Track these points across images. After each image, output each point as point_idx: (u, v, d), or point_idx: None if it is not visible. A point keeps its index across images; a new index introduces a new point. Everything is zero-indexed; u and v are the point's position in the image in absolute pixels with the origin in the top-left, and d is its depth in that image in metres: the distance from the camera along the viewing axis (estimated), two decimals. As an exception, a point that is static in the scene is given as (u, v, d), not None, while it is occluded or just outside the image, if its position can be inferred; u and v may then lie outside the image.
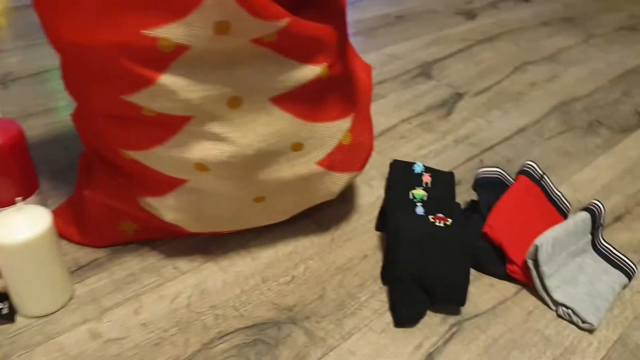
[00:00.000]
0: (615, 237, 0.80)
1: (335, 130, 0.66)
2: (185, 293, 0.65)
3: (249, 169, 0.61)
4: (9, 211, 0.54)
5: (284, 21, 0.53)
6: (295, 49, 0.57)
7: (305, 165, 0.65)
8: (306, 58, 0.58)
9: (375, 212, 0.81)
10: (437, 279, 0.64)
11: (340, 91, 0.66)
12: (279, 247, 0.73)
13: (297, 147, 0.63)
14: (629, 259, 0.72)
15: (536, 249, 0.66)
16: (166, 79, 0.53)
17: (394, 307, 0.65)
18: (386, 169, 0.91)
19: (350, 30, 1.53)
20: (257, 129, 0.58)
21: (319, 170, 0.66)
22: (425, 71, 1.31)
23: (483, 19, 1.71)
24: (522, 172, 0.78)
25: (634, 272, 0.71)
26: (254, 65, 0.55)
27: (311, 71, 0.59)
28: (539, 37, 1.60)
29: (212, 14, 0.50)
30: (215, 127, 0.57)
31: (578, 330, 0.64)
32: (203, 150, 0.57)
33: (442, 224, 0.67)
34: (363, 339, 0.62)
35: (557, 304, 0.66)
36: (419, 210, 0.71)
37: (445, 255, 0.65)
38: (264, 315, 0.63)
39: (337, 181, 0.70)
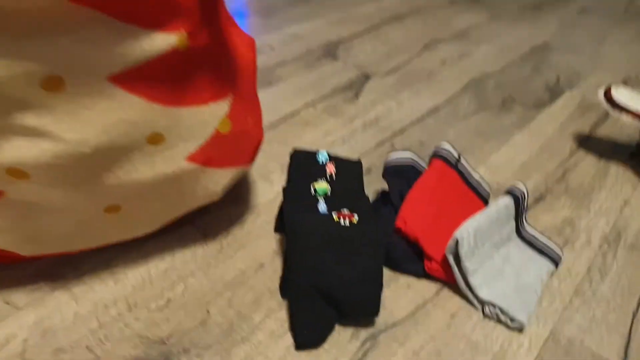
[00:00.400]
0: (538, 219, 0.73)
1: (207, 117, 0.54)
2: (20, 335, 0.50)
3: (88, 172, 0.47)
4: None
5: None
6: (136, 12, 0.44)
7: (171, 162, 0.52)
8: (154, 23, 0.45)
9: (274, 212, 0.70)
10: (344, 288, 0.54)
11: (211, 68, 0.53)
12: (152, 264, 0.60)
13: (156, 139, 0.50)
14: (554, 244, 0.66)
15: (456, 242, 0.57)
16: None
17: (294, 327, 0.53)
18: (287, 160, 0.80)
19: (248, 8, 1.40)
20: (94, 118, 0.44)
21: (190, 167, 0.53)
22: (330, 52, 1.21)
23: (391, -2, 1.64)
24: (436, 155, 0.69)
25: (560, 258, 0.65)
26: (77, 34, 0.42)
27: (163, 41, 0.46)
28: (448, 15, 1.55)
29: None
30: (29, 119, 0.42)
31: (507, 331, 0.56)
32: (15, 151, 0.43)
33: (347, 223, 0.57)
34: (256, 371, 0.50)
35: (483, 302, 0.58)
36: (321, 207, 0.61)
37: (352, 258, 0.55)
38: (128, 355, 0.50)
39: (219, 179, 0.58)
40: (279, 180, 0.76)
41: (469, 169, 0.70)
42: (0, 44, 0.39)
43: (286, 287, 0.57)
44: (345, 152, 0.84)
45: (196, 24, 0.49)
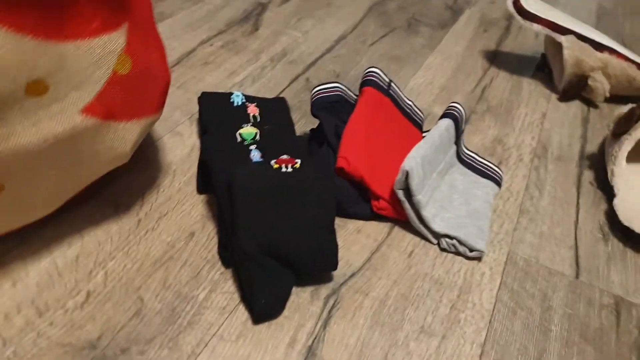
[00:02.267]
0: (469, 141, 0.72)
1: (101, 54, 0.43)
2: None
3: None
4: None
5: None
6: None
7: (61, 117, 0.41)
8: None
9: (192, 170, 0.61)
10: (296, 243, 0.48)
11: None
12: (57, 253, 0.49)
13: (37, 89, 0.38)
14: (493, 164, 0.65)
15: (406, 175, 0.53)
16: None
17: (249, 297, 0.47)
18: (194, 108, 0.70)
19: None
20: None
21: (88, 123, 0.43)
22: (216, -19, 1.09)
23: None
24: (367, 82, 0.63)
25: (501, 178, 0.64)
26: None
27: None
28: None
29: None
30: None
31: (467, 262, 0.55)
32: None
33: (289, 169, 0.50)
34: (214, 356, 0.44)
35: (438, 236, 0.55)
36: (255, 155, 0.53)
37: (301, 209, 0.49)
38: (52, 370, 0.41)
39: (125, 135, 0.48)
40: (190, 131, 0.67)
41: (401, 94, 0.66)
42: None
43: (229, 255, 0.50)
44: (258, 92, 0.76)
45: None
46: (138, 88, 0.47)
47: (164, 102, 0.52)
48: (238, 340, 0.45)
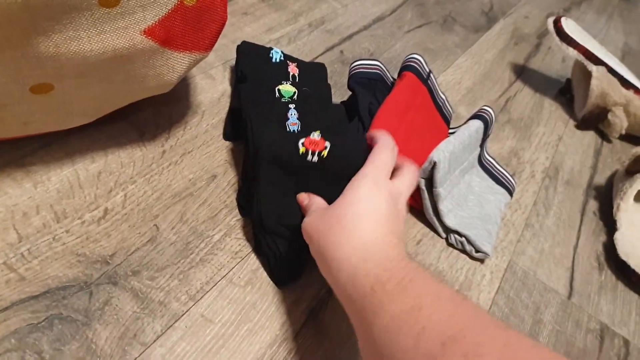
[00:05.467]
0: (487, 148, 0.74)
1: None
2: None
3: (14, 31, 0.35)
4: None
5: None
6: None
7: (124, 33, 0.41)
8: None
9: (221, 114, 0.61)
10: None
11: None
12: (80, 164, 0.49)
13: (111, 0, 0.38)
14: (509, 174, 0.67)
15: (433, 165, 0.55)
16: None
17: (270, 265, 0.48)
18: (229, 54, 0.70)
19: None
20: None
21: (146, 45, 0.43)
22: None
23: None
24: (408, 67, 0.64)
25: (514, 188, 0.66)
26: None
27: None
28: None
29: None
30: None
31: (470, 261, 0.57)
32: None
33: (315, 158, 0.49)
34: (221, 297, 0.45)
35: (448, 231, 0.57)
36: (292, 114, 0.53)
37: (321, 194, 0.49)
38: (63, 275, 0.41)
39: (175, 65, 0.47)
40: (222, 77, 0.67)
41: (437, 86, 0.67)
42: None
43: (247, 207, 0.51)
44: (292, 53, 0.76)
45: None
46: (197, 22, 0.47)
47: (215, 42, 0.51)
48: (246, 287, 0.46)
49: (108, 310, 0.40)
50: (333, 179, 0.48)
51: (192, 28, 0.47)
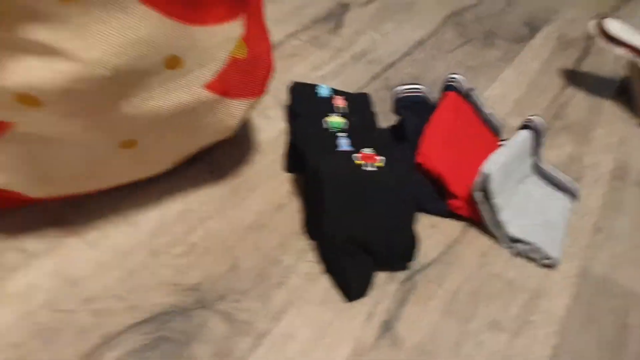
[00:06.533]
0: (544, 156, 0.77)
1: (224, 38, 0.50)
2: (43, 285, 0.47)
3: (105, 100, 0.43)
4: None
5: None
6: None
7: (189, 89, 0.49)
8: None
9: (280, 150, 0.68)
10: (379, 239, 0.54)
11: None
12: (165, 206, 0.57)
13: (174, 62, 0.46)
14: (570, 180, 0.70)
15: (486, 178, 0.59)
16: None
17: (341, 280, 0.53)
18: (282, 95, 0.78)
19: None
20: (110, 35, 0.40)
21: (208, 97, 0.51)
22: (301, -22, 1.17)
23: None
24: (449, 87, 0.70)
25: (577, 193, 0.69)
26: None
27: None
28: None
29: None
30: (41, 32, 0.38)
31: (539, 269, 0.60)
32: (26, 73, 0.38)
33: (372, 167, 0.56)
34: (299, 315, 0.50)
35: (512, 240, 0.61)
36: (343, 142, 0.60)
37: (383, 207, 0.55)
38: (163, 302, 0.48)
39: (234, 111, 0.55)
40: (277, 116, 0.74)
41: (481, 101, 0.72)
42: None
43: (314, 230, 0.57)
44: (339, 86, 0.83)
45: None
46: (249, 72, 0.55)
47: (266, 86, 0.59)
48: (321, 306, 0.52)
49: (203, 331, 0.47)
50: (390, 190, 0.54)
51: (245, 77, 0.54)
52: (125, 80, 0.43)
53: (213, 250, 0.54)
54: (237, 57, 0.52)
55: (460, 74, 0.71)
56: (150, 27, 0.43)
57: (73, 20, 0.39)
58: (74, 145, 0.45)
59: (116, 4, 0.40)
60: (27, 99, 0.40)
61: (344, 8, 1.08)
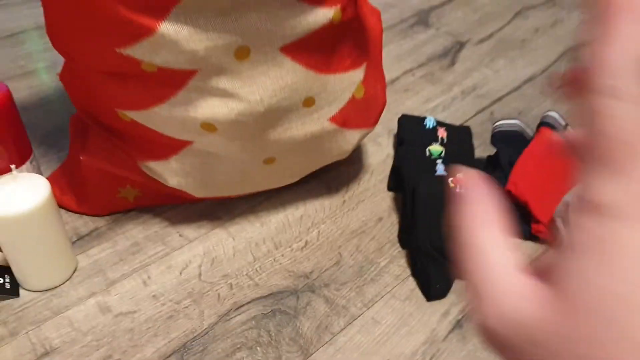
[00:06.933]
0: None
1: (347, 83, 0.64)
2: (195, 262, 0.64)
3: (258, 128, 0.58)
4: (4, 180, 0.51)
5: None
6: (308, -9, 0.54)
7: (317, 122, 0.63)
8: (319, 0, 0.55)
9: (386, 172, 0.80)
10: None
11: (352, 38, 0.63)
12: (289, 211, 0.72)
13: (309, 102, 0.60)
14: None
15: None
16: (167, 28, 0.49)
17: (424, 282, 0.64)
18: (393, 125, 0.90)
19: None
20: (267, 83, 0.56)
21: (331, 128, 0.64)
22: (422, 19, 1.28)
23: (479, -39, 1.67)
24: (544, 123, 0.77)
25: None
26: (263, 10, 0.52)
27: (324, 15, 0.57)
28: (539, -20, 1.57)
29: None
30: (223, 82, 0.54)
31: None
32: (210, 108, 0.55)
33: (461, 190, 0.66)
34: (387, 306, 0.62)
35: (585, 262, 0.67)
36: (440, 168, 0.71)
37: None
38: (280, 284, 0.62)
39: (350, 139, 0.68)
40: (387, 143, 0.86)
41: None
42: (207, 21, 0.51)
43: (406, 240, 0.68)
44: (446, 118, 0.93)
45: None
46: (365, 108, 0.68)
47: (378, 119, 0.72)
48: (405, 301, 0.63)
49: (309, 309, 0.61)
50: None
51: (361, 112, 0.68)
52: (273, 115, 0.59)
53: (323, 247, 0.67)
54: (357, 97, 0.66)
55: (556, 111, 0.78)
56: (295, 77, 0.58)
57: (244, 73, 0.55)
58: (231, 160, 0.61)
59: (274, 60, 0.56)
60: (208, 126, 0.57)
61: (460, 46, 1.18)
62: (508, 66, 1.12)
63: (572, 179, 0.64)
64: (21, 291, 0.59)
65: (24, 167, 0.56)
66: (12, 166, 0.52)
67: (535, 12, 1.38)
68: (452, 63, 1.11)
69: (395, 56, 1.12)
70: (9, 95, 0.53)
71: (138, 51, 0.51)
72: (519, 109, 0.98)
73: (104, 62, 0.53)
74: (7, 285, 0.57)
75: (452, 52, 1.15)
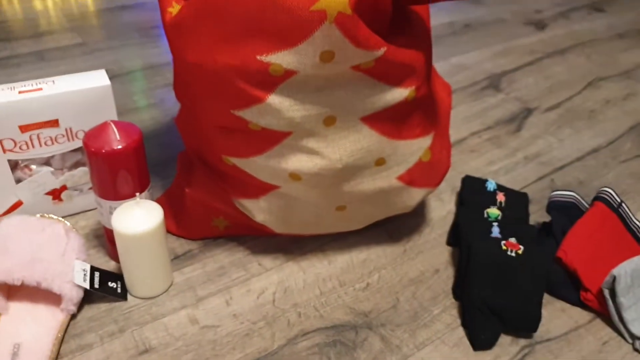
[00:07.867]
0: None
1: (416, 148, 0.72)
2: (270, 289, 0.72)
3: (335, 181, 0.67)
4: (129, 204, 0.63)
5: (382, 50, 0.59)
6: (388, 74, 0.63)
7: (386, 179, 0.71)
8: (397, 82, 0.64)
9: (446, 227, 0.87)
10: (509, 308, 0.69)
11: (424, 111, 0.72)
12: (354, 253, 0.79)
13: (380, 162, 0.69)
14: None
15: (614, 279, 0.70)
16: (274, 99, 0.60)
17: (472, 332, 0.70)
18: (456, 183, 0.96)
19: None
20: (347, 145, 0.65)
21: (398, 185, 0.72)
22: (493, 83, 1.35)
23: (553, 30, 1.72)
24: (599, 198, 0.81)
25: None
26: (350, 88, 0.62)
27: (400, 94, 0.65)
28: (613, 51, 1.60)
29: (320, 45, 0.56)
30: (311, 143, 0.63)
31: (652, 363, 0.68)
32: (298, 162, 0.64)
33: (513, 253, 0.72)
34: (436, 351, 0.67)
35: (634, 337, 0.70)
36: (495, 231, 0.76)
37: (517, 284, 0.70)
38: (342, 318, 0.70)
39: (414, 196, 0.76)
40: (449, 200, 0.93)
41: (630, 214, 0.82)
42: (305, 95, 0.60)
43: (459, 292, 0.74)
44: (507, 182, 0.99)
45: (422, 80, 0.67)
46: (430, 170, 0.76)
47: (441, 181, 0.79)
48: (453, 348, 0.68)
49: (365, 344, 0.67)
50: (528, 273, 0.69)
51: (426, 173, 0.75)
52: (349, 171, 0.67)
53: (382, 290, 0.74)
54: (424, 160, 0.74)
55: (612, 188, 0.82)
56: (371, 141, 0.66)
57: (329, 136, 0.64)
58: (309, 205, 0.70)
59: (354, 127, 0.65)
60: (294, 176, 0.66)
61: (527, 112, 1.23)
62: (573, 136, 1.16)
63: (621, 253, 0.71)
64: (129, 296, 0.70)
65: (143, 194, 0.67)
66: (137, 194, 0.63)
67: (608, 83, 1.41)
68: (519, 129, 1.16)
69: (464, 117, 1.18)
70: (141, 136, 0.65)
71: (248, 114, 0.61)
72: (580, 179, 1.02)
73: (219, 118, 0.64)
74: (119, 290, 0.69)
75: (519, 118, 1.20)
